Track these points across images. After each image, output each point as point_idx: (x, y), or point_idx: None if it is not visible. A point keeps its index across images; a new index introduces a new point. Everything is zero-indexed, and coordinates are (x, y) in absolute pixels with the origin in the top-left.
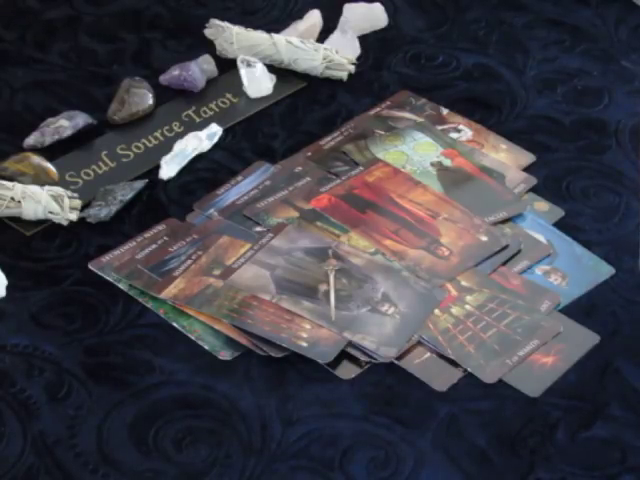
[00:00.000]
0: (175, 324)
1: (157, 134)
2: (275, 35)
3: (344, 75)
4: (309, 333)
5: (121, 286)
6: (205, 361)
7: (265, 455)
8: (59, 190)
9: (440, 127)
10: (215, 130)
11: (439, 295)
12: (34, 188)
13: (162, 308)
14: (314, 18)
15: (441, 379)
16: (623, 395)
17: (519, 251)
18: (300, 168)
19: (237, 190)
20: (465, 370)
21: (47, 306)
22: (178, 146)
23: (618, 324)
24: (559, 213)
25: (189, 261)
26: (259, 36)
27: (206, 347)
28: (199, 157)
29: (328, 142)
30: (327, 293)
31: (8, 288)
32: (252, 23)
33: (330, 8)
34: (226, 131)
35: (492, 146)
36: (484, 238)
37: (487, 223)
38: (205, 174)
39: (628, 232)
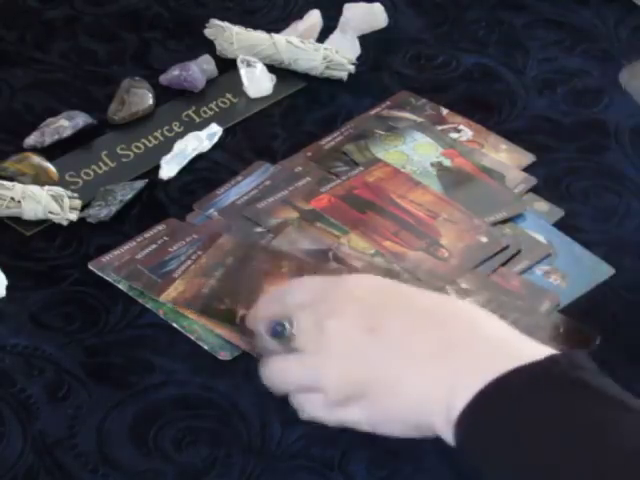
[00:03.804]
0: (175, 324)
1: (157, 134)
2: (275, 35)
3: (344, 75)
4: None
5: (121, 286)
6: (205, 361)
7: (265, 455)
8: (59, 190)
9: (440, 127)
10: (215, 130)
11: None
12: (34, 188)
13: (161, 309)
14: (314, 18)
15: None
16: None
17: (519, 251)
18: (300, 168)
19: (237, 190)
20: None
21: (47, 306)
22: (178, 146)
23: (618, 324)
24: (559, 213)
25: (189, 261)
26: (259, 36)
27: (206, 347)
28: (199, 157)
29: (328, 142)
30: None
31: (8, 288)
32: (252, 23)
33: (330, 8)
34: (226, 131)
35: (492, 146)
36: (484, 239)
37: (487, 223)
38: (205, 174)
39: (628, 232)
